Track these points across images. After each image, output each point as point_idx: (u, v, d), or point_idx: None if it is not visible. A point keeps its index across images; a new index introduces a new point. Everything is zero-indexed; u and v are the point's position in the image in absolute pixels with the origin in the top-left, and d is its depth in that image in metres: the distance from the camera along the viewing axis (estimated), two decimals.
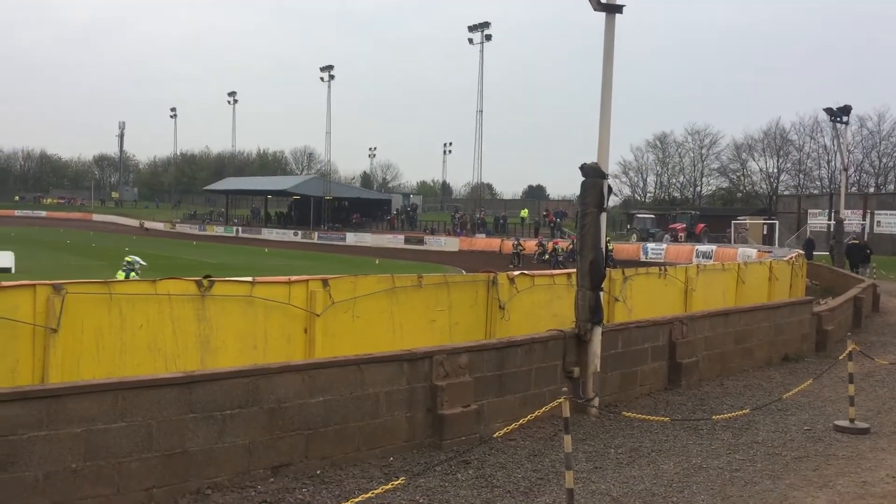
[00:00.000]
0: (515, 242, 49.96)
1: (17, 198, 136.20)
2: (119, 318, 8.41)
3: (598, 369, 10.27)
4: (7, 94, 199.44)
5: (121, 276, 14.57)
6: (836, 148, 71.52)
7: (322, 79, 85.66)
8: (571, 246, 44.81)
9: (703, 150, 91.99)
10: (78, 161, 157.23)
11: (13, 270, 32.83)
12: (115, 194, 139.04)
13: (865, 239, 46.58)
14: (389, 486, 6.29)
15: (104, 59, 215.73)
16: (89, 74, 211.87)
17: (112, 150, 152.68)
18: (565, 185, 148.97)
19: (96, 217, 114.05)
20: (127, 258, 15.72)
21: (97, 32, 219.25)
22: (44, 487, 6.04)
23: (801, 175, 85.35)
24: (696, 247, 48.32)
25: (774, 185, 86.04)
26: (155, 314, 8.65)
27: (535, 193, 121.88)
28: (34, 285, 8.01)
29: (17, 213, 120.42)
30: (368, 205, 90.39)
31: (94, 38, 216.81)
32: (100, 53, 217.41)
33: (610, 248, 34.28)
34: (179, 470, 6.70)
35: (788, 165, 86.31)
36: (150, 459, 6.55)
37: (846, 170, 48.42)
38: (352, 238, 72.73)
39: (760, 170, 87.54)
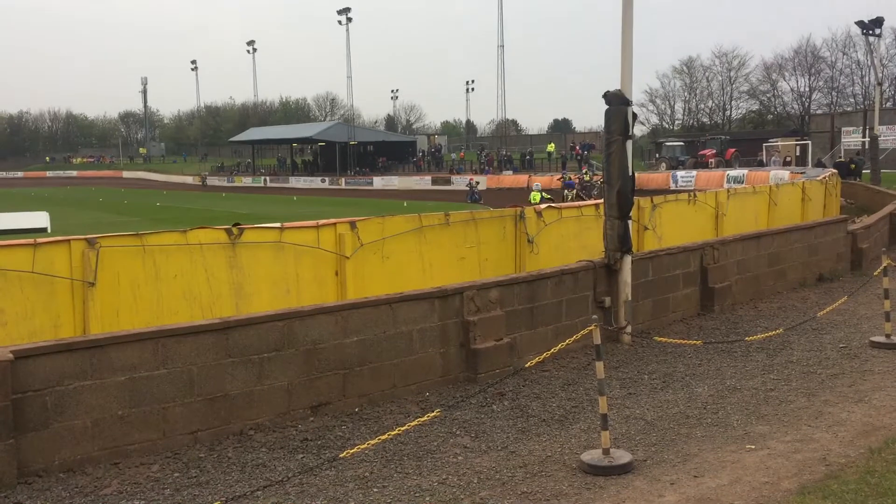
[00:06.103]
0: (567, 174, 49.00)
1: (47, 159, 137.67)
2: (154, 269, 8.57)
3: (630, 298, 10.28)
4: (31, 56, 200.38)
5: None
6: (869, 62, 69.48)
7: (340, 22, 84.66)
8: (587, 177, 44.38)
9: (732, 73, 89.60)
10: (104, 119, 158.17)
11: (49, 230, 33.42)
12: (142, 150, 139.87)
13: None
14: (426, 418, 6.40)
15: (122, 14, 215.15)
16: (108, 31, 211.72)
17: (136, 106, 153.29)
18: (592, 117, 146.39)
19: (126, 174, 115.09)
20: None
21: None
22: (93, 434, 6.26)
23: (833, 93, 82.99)
24: (728, 172, 47.56)
25: (806, 104, 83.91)
26: (188, 264, 8.79)
27: (560, 127, 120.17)
28: (69, 241, 8.17)
29: (48, 174, 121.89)
30: (394, 148, 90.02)
31: None
32: (117, 9, 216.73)
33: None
34: (222, 413, 6.90)
35: (821, 83, 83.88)
36: (193, 404, 6.74)
37: (880, 84, 47.22)
38: (379, 182, 72.64)
39: (792, 90, 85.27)
